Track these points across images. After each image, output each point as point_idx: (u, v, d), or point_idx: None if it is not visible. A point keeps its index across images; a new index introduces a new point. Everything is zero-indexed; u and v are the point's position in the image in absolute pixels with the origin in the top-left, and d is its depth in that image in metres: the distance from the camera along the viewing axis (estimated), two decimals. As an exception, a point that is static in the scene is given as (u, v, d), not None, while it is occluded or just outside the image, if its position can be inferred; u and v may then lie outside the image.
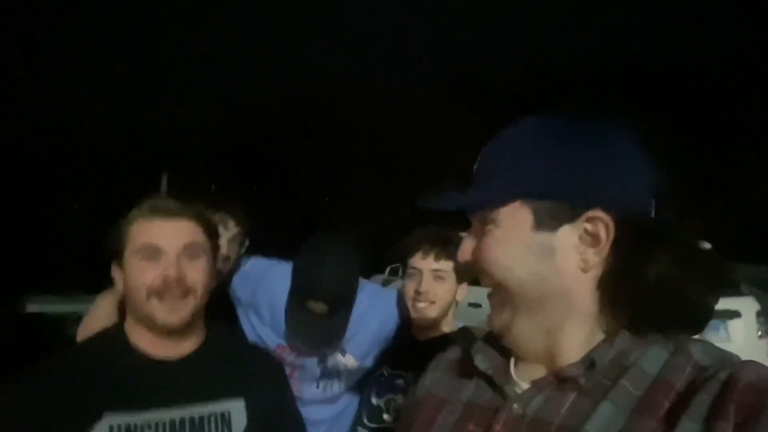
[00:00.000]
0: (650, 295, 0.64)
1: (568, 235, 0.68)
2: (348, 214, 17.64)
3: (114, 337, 1.19)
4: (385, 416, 1.67)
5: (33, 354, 1.17)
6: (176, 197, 1.22)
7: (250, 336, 1.76)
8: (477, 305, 2.83)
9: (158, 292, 1.11)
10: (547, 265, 0.68)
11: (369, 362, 1.79)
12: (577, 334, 0.69)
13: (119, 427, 1.06)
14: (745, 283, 5.08)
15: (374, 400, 1.72)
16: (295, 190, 19.88)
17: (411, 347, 1.68)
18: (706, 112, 17.09)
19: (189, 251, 1.15)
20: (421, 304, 1.61)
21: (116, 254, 1.17)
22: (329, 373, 1.77)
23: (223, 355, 1.25)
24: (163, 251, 1.13)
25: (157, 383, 1.13)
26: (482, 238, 0.72)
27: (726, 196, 14.85)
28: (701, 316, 0.66)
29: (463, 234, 0.80)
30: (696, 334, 0.68)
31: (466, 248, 0.75)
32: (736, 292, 4.83)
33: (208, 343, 1.24)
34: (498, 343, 0.78)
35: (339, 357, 1.73)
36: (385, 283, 7.85)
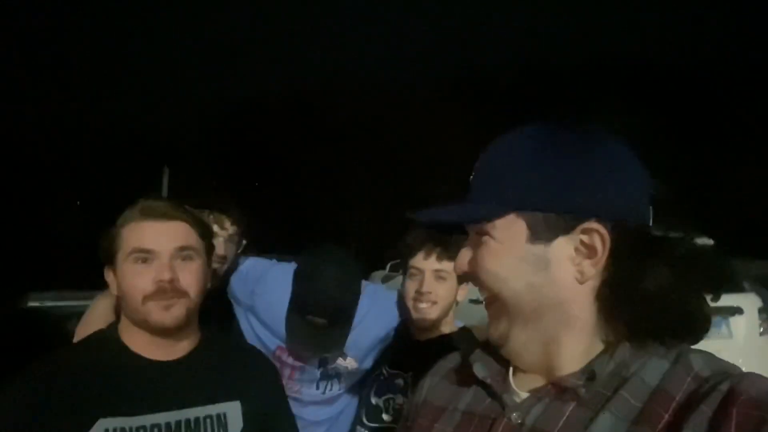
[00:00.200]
0: (648, 304, 0.64)
1: (563, 247, 0.68)
2: (348, 211, 17.66)
3: (109, 339, 1.18)
4: (385, 416, 1.67)
5: (34, 349, 1.16)
6: (168, 198, 1.21)
7: (249, 336, 1.75)
8: (478, 301, 2.82)
9: (152, 295, 1.10)
10: (543, 276, 0.68)
11: (369, 363, 1.78)
12: (575, 344, 0.68)
13: (114, 430, 1.05)
14: (747, 279, 5.07)
15: (373, 400, 1.71)
16: (294, 187, 19.87)
17: (410, 347, 1.67)
18: (708, 107, 17.05)
19: (182, 253, 1.14)
20: (423, 305, 1.60)
21: (109, 258, 1.16)
22: (329, 375, 1.76)
23: (219, 357, 1.24)
24: (156, 254, 1.11)
25: (153, 385, 1.12)
26: (478, 249, 0.72)
27: (728, 192, 14.83)
28: (700, 325, 0.66)
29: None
30: (695, 342, 0.68)
31: (463, 260, 0.75)
32: (738, 289, 4.82)
33: (203, 345, 1.23)
34: (497, 351, 0.78)
35: (339, 360, 1.73)
36: (386, 280, 7.85)
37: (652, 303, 0.64)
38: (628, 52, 20.37)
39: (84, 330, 1.36)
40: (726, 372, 0.62)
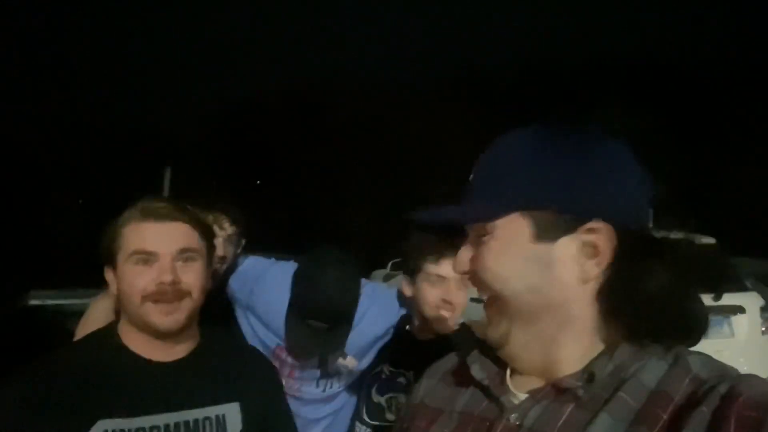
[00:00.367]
0: (649, 305, 0.65)
1: (567, 246, 0.67)
2: (349, 209, 17.65)
3: (108, 339, 1.17)
4: (388, 415, 1.66)
5: (35, 348, 1.15)
6: (170, 199, 1.21)
7: (248, 335, 1.76)
8: (479, 300, 2.82)
9: (152, 296, 1.10)
10: (546, 276, 0.68)
11: (369, 361, 1.78)
12: (575, 345, 0.68)
13: (114, 431, 1.05)
14: (749, 278, 5.06)
15: (375, 398, 1.70)
16: (295, 186, 19.87)
17: (412, 346, 1.66)
18: (709, 107, 17.02)
19: (184, 255, 1.13)
20: (447, 313, 1.55)
21: (109, 257, 1.15)
22: (329, 374, 1.77)
23: (218, 358, 1.23)
24: (158, 256, 1.11)
25: (152, 387, 1.12)
26: (480, 248, 0.72)
27: (730, 191, 14.80)
28: (699, 327, 0.68)
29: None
30: (693, 344, 0.68)
31: (464, 259, 0.74)
32: (740, 288, 4.80)
33: (202, 346, 1.23)
34: (494, 352, 0.77)
35: (340, 359, 1.73)
36: (387, 278, 7.85)
37: (653, 304, 0.64)
38: (628, 51, 20.36)
39: (84, 329, 1.37)
40: (724, 373, 0.62)
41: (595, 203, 0.66)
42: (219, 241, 1.63)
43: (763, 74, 17.39)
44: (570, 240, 0.67)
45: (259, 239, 1.92)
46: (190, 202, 1.52)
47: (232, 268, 1.78)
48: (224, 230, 1.70)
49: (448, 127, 17.48)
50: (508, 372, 0.76)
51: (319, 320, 1.59)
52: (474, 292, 1.69)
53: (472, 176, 0.75)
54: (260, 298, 1.72)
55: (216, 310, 1.61)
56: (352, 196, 18.49)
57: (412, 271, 1.64)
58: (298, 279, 1.67)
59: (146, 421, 1.08)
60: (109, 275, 1.17)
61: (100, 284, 1.48)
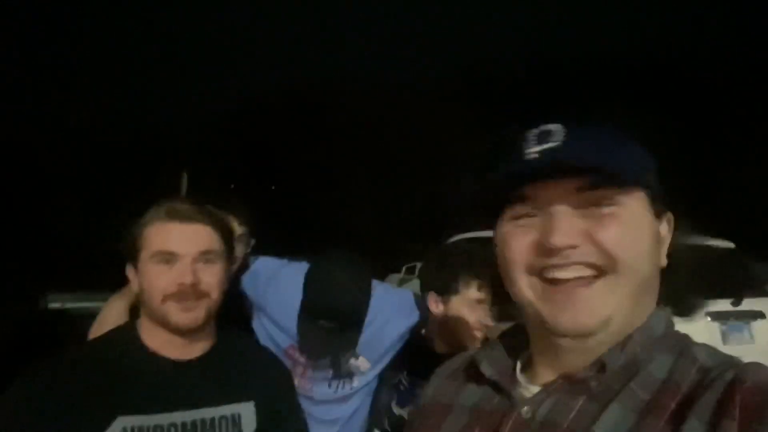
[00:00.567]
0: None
1: (664, 228, 0.71)
2: (363, 212, 17.68)
3: (127, 336, 1.19)
4: None
5: (53, 350, 1.17)
6: (192, 201, 1.23)
7: (261, 335, 1.77)
8: None
9: (172, 296, 1.12)
10: (658, 254, 0.70)
11: (382, 363, 1.79)
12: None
13: (132, 429, 1.06)
14: (769, 283, 4.98)
15: (396, 410, 1.71)
16: (309, 188, 19.95)
17: (428, 357, 1.66)
18: (733, 109, 16.79)
19: (204, 257, 1.16)
20: (480, 333, 1.61)
21: (132, 256, 1.18)
22: (341, 374, 1.77)
23: (234, 358, 1.25)
24: (179, 256, 1.13)
25: (170, 385, 1.14)
26: (599, 219, 0.65)
27: (750, 195, 14.58)
28: (690, 304, 0.73)
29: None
30: (684, 316, 0.73)
31: (574, 229, 0.65)
32: (761, 293, 4.72)
33: (219, 346, 1.25)
34: (503, 347, 0.78)
35: (352, 360, 1.74)
36: (402, 283, 7.84)
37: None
38: (634, 50, 20.15)
39: (98, 329, 1.38)
40: (729, 362, 0.63)
41: (666, 195, 0.71)
42: None
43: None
44: (662, 223, 0.71)
45: (271, 241, 1.93)
46: (203, 203, 1.54)
47: (242, 268, 1.80)
48: (234, 231, 1.71)
49: (464, 127, 17.46)
50: (518, 367, 0.77)
51: (331, 321, 1.60)
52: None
53: (564, 137, 0.66)
54: (272, 298, 1.74)
55: (232, 310, 1.63)
56: (367, 199, 18.52)
57: (445, 291, 1.63)
58: (309, 280, 1.68)
59: (164, 418, 1.09)
60: (131, 273, 1.20)
61: (119, 287, 1.50)
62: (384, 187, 18.44)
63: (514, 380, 0.75)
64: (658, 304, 0.71)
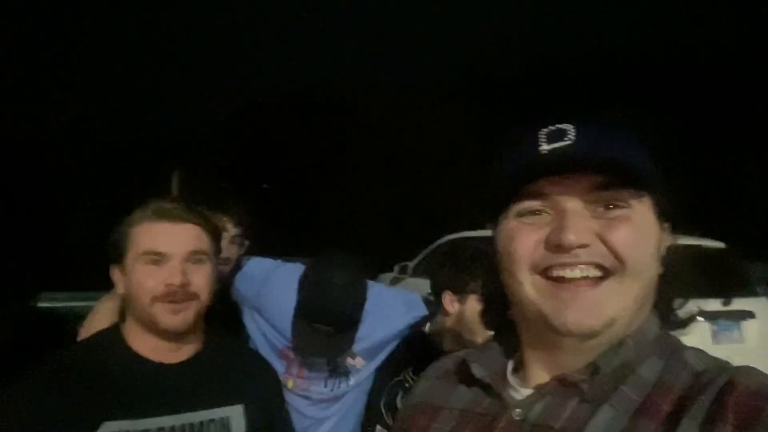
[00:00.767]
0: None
1: (664, 236, 0.70)
2: (355, 212, 17.66)
3: (113, 340, 1.17)
4: None
5: (45, 350, 1.16)
6: (180, 201, 1.21)
7: (255, 336, 1.77)
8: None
9: (161, 297, 1.10)
10: (657, 258, 0.69)
11: (378, 360, 1.80)
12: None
13: None
14: (759, 283, 5.01)
15: (401, 406, 1.72)
16: (301, 188, 19.91)
17: (433, 354, 1.67)
18: (721, 109, 16.90)
19: (194, 257, 1.14)
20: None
21: (117, 256, 1.16)
22: (338, 373, 1.78)
23: (222, 361, 1.24)
24: (168, 256, 1.11)
25: (157, 389, 1.12)
26: (609, 221, 0.65)
27: (741, 195, 14.69)
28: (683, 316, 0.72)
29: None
30: (678, 329, 0.72)
31: (587, 228, 0.65)
32: (751, 293, 4.76)
33: (206, 349, 1.23)
34: (494, 349, 0.78)
35: (348, 359, 1.75)
36: (394, 282, 7.84)
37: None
38: (635, 50, 20.23)
39: (88, 330, 1.37)
40: (720, 366, 0.64)
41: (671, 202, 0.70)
42: (223, 243, 1.65)
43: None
44: (663, 231, 0.70)
45: (264, 241, 1.92)
46: (195, 203, 1.53)
47: (235, 269, 1.79)
48: (228, 231, 1.70)
49: (456, 128, 17.46)
50: (509, 368, 0.76)
51: (325, 324, 1.61)
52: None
53: (578, 133, 0.67)
54: (267, 299, 1.74)
55: (221, 311, 1.62)
56: (359, 198, 18.50)
57: (461, 290, 1.65)
58: (304, 283, 1.68)
59: (152, 423, 1.08)
60: (116, 274, 1.18)
61: (111, 287, 1.49)
62: (377, 187, 18.43)
63: (505, 382, 0.74)
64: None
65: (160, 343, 1.15)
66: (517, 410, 0.68)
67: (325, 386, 1.78)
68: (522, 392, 0.71)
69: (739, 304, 4.52)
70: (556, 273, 0.66)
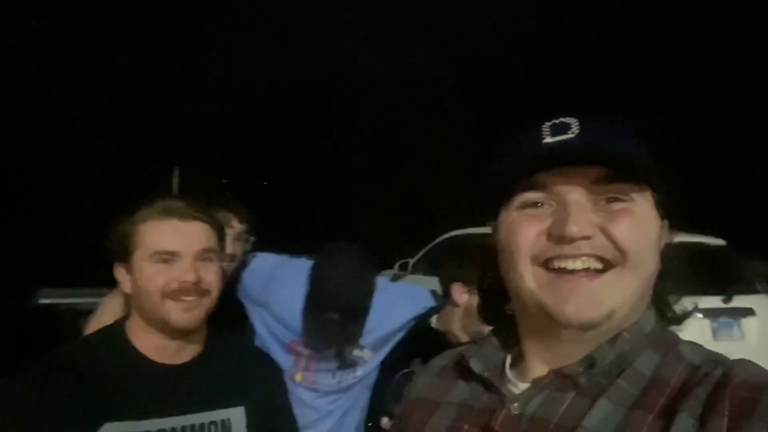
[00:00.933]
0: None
1: (663, 232, 0.70)
2: (356, 209, 17.67)
3: (115, 339, 1.16)
4: None
5: (45, 346, 1.15)
6: (187, 198, 1.21)
7: (262, 332, 1.79)
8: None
9: (172, 294, 1.10)
10: (658, 253, 0.69)
11: (384, 352, 1.83)
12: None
13: None
14: (760, 280, 5.02)
15: None
16: (301, 185, 19.92)
17: (442, 346, 1.68)
18: (722, 106, 16.89)
19: (204, 255, 1.14)
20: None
21: (122, 255, 1.14)
22: (345, 365, 1.80)
23: (224, 362, 1.24)
24: (180, 255, 1.11)
25: (159, 390, 1.12)
26: (611, 213, 0.65)
27: (741, 193, 14.69)
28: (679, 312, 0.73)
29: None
30: (676, 325, 0.72)
31: (590, 221, 0.65)
32: (751, 290, 4.76)
33: (208, 350, 1.23)
34: (492, 344, 0.78)
35: (356, 351, 1.77)
36: (394, 279, 7.85)
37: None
38: (636, 48, 20.21)
39: (94, 328, 1.37)
40: (717, 359, 0.64)
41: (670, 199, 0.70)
42: (228, 240, 1.65)
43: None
44: (662, 227, 0.70)
45: (265, 238, 1.93)
46: (199, 200, 1.53)
47: (241, 266, 1.80)
48: (233, 228, 1.71)
49: (456, 126, 17.46)
50: (508, 363, 0.76)
51: (336, 311, 1.63)
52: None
53: (581, 128, 0.67)
54: (275, 294, 1.76)
55: (225, 310, 1.63)
56: (359, 196, 18.51)
57: (470, 283, 1.66)
58: (314, 272, 1.70)
59: (153, 424, 1.08)
60: (120, 273, 1.16)
61: (110, 283, 1.48)
62: (377, 185, 18.43)
63: (503, 377, 0.74)
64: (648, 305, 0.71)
65: (165, 343, 1.14)
66: (515, 404, 0.68)
67: (333, 378, 1.81)
68: (520, 386, 0.71)
69: (739, 301, 4.52)
70: (557, 264, 0.65)
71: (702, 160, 14.41)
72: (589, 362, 0.66)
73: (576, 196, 0.65)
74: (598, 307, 0.64)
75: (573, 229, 0.63)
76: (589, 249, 0.64)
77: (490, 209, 0.74)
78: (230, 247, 1.66)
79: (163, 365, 1.14)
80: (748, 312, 4.60)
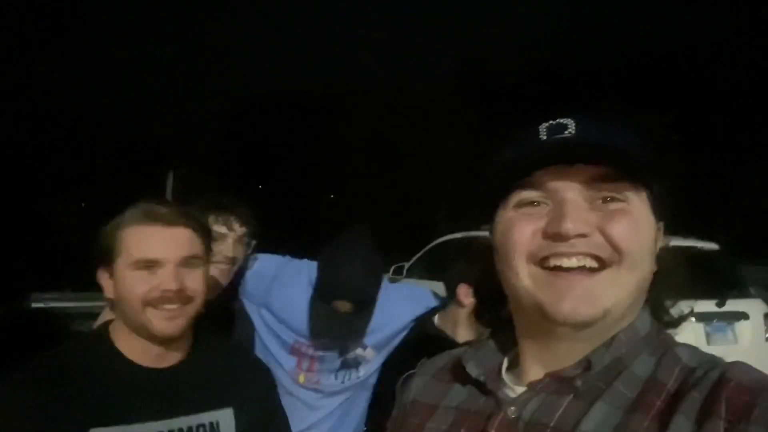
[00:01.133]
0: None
1: (660, 235, 0.70)
2: (352, 212, 17.67)
3: (100, 343, 1.14)
4: None
5: (37, 350, 1.13)
6: (171, 203, 1.18)
7: (263, 333, 1.80)
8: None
9: (154, 302, 1.07)
10: (653, 253, 0.69)
11: (387, 351, 1.84)
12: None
13: None
14: (753, 284, 5.04)
15: None
16: (299, 188, 19.90)
17: (446, 346, 1.69)
18: (716, 110, 16.99)
19: (188, 261, 1.11)
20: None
21: (106, 260, 1.11)
22: (348, 364, 1.82)
23: (211, 364, 1.22)
24: (162, 263, 1.08)
25: (146, 394, 1.10)
26: (607, 212, 0.65)
27: (734, 197, 14.77)
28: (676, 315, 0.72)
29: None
30: (671, 328, 0.72)
31: (586, 219, 0.64)
32: (744, 294, 4.79)
33: (195, 352, 1.20)
34: (489, 347, 0.78)
35: (359, 350, 1.79)
36: (390, 282, 7.85)
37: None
38: (633, 50, 20.30)
39: None
40: (713, 362, 0.64)
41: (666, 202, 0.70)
42: (229, 242, 1.65)
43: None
44: (658, 229, 0.70)
45: (264, 241, 1.93)
46: (199, 203, 1.52)
47: (243, 269, 1.79)
48: (234, 231, 1.70)
49: (454, 130, 17.51)
50: (504, 366, 0.76)
51: (345, 300, 1.64)
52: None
53: (580, 128, 0.67)
54: (277, 295, 1.76)
55: (225, 311, 1.63)
56: (355, 199, 18.50)
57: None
58: (324, 261, 1.72)
59: (140, 428, 1.06)
60: (103, 278, 1.14)
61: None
62: (372, 188, 18.44)
63: (500, 380, 0.74)
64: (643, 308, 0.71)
65: (150, 348, 1.12)
66: (512, 408, 0.68)
67: (336, 378, 1.82)
68: (516, 390, 0.71)
69: (732, 305, 4.54)
70: (553, 263, 0.65)
71: (697, 164, 14.48)
72: (585, 365, 0.66)
73: (572, 194, 0.65)
74: (594, 305, 0.64)
75: (569, 226, 0.63)
76: (585, 247, 0.64)
77: (487, 209, 0.74)
78: (232, 249, 1.66)
79: (149, 369, 1.13)
80: (742, 316, 4.62)
